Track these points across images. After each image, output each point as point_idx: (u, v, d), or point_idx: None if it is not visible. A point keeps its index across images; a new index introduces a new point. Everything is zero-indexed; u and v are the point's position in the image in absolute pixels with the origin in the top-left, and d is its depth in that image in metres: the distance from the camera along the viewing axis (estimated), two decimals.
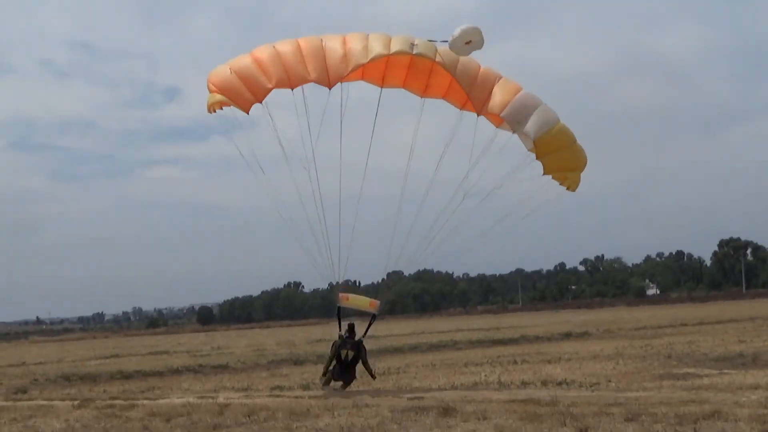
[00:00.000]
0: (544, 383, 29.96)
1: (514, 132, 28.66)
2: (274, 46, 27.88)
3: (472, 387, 30.47)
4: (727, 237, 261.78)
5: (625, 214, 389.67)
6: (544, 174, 28.68)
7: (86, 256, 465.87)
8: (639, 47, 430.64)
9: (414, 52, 27.66)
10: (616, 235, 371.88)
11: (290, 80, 27.27)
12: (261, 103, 27.38)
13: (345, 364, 29.28)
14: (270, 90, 27.27)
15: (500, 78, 29.04)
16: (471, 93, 28.49)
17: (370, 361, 29.75)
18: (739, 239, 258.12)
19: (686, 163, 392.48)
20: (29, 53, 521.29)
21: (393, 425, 19.87)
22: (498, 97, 28.49)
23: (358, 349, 29.33)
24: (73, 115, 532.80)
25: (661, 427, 17.08)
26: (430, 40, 28.29)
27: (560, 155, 28.62)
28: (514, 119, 28.18)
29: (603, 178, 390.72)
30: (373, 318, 30.04)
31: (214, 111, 28.23)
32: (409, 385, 32.82)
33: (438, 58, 28.01)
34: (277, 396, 30.11)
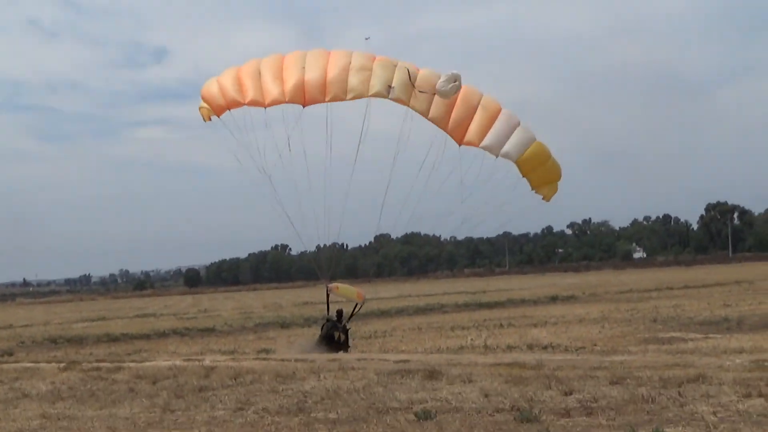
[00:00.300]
0: (530, 347, 30.12)
1: (495, 156, 28.87)
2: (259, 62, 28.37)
3: (458, 350, 30.60)
4: (714, 201, 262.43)
5: (612, 177, 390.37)
6: (532, 189, 29.14)
7: (73, 217, 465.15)
8: (629, 8, 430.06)
9: (390, 96, 27.56)
10: (603, 199, 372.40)
11: (264, 99, 27.74)
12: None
13: (336, 345, 30.55)
14: (241, 105, 27.87)
15: (477, 106, 28.95)
16: (448, 130, 28.51)
17: (352, 344, 31.64)
18: (726, 203, 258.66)
19: (674, 126, 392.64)
20: (16, 12, 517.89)
21: (379, 388, 19.92)
22: (475, 127, 28.53)
23: (347, 334, 30.89)
24: (60, 75, 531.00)
25: (646, 390, 17.15)
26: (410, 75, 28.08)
27: (538, 173, 28.95)
28: (493, 148, 28.41)
29: (591, 141, 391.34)
30: (357, 306, 31.51)
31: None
32: (395, 348, 32.89)
33: (412, 100, 27.86)
34: (264, 359, 30.17)
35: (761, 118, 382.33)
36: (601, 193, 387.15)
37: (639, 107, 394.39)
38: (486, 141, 28.33)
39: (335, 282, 31.66)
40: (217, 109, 28.82)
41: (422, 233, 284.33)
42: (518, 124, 28.78)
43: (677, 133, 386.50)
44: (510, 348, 30.14)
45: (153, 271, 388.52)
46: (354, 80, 27.39)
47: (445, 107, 28.23)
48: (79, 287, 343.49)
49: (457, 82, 27.52)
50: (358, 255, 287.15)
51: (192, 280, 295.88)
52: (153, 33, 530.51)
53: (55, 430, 16.83)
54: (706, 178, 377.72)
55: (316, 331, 44.58)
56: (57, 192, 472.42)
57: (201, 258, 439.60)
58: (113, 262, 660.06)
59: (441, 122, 28.48)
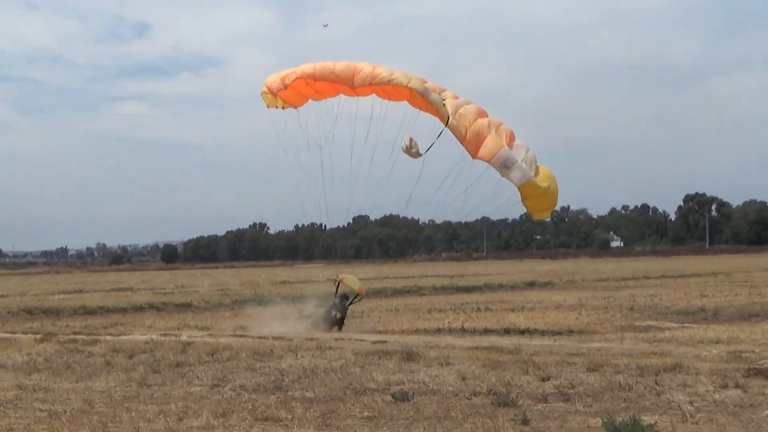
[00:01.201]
0: (507, 331, 30.16)
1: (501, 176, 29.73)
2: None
3: (436, 333, 30.63)
4: (692, 192, 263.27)
5: (592, 165, 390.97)
6: (528, 212, 30.25)
7: (51, 190, 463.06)
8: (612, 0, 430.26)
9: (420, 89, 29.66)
10: (582, 187, 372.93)
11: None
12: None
13: (332, 321, 32.64)
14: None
15: (490, 131, 29.73)
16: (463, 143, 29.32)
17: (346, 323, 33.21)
18: (704, 195, 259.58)
19: (655, 118, 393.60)
20: None
21: (356, 368, 19.92)
22: (487, 146, 29.45)
23: (344, 314, 32.95)
24: (41, 48, 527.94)
25: (623, 378, 17.18)
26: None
27: (539, 200, 31.21)
28: (500, 167, 29.21)
29: (572, 130, 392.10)
30: (355, 297, 33.59)
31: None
32: (372, 329, 32.90)
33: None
34: (241, 336, 30.14)
35: (741, 111, 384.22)
36: (580, 181, 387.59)
37: (620, 98, 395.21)
38: (494, 161, 29.40)
39: (344, 273, 33.89)
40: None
41: (401, 216, 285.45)
42: (525, 152, 29.68)
43: (658, 124, 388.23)
44: (487, 332, 30.20)
45: (130, 245, 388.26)
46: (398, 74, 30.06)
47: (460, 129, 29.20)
48: (56, 260, 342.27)
49: (414, 150, 28.62)
50: (336, 236, 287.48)
51: (169, 255, 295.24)
52: (135, 7, 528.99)
53: (31, 402, 16.74)
54: (685, 169, 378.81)
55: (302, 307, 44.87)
56: (35, 164, 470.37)
57: (179, 234, 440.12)
58: (90, 236, 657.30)
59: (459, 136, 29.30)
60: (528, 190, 30.14)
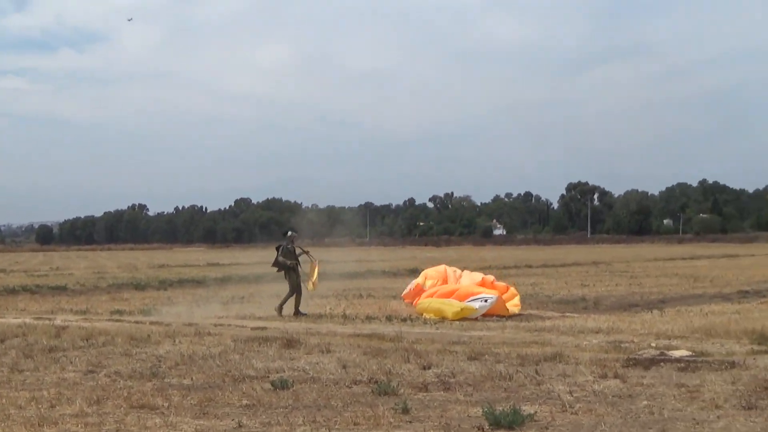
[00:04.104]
0: (389, 319, 30.17)
1: None
2: None
3: (317, 319, 30.56)
4: (575, 181, 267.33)
5: (476, 151, 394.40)
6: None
7: None
8: None
9: None
10: (466, 173, 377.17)
11: None
12: None
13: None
14: None
15: None
16: None
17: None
18: (586, 183, 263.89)
19: (541, 104, 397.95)
20: None
21: (235, 355, 19.83)
22: None
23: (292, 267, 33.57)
24: None
25: (504, 367, 17.37)
26: None
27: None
28: None
29: (457, 114, 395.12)
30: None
31: None
32: (251, 314, 32.71)
33: None
34: (117, 320, 29.76)
35: (625, 100, 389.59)
36: (464, 167, 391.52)
37: (508, 82, 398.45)
38: None
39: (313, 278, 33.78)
40: None
41: (283, 199, 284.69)
42: None
43: (542, 111, 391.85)
44: (369, 319, 30.19)
45: (4, 225, 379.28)
46: None
47: None
48: None
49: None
50: (217, 218, 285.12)
51: (44, 237, 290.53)
52: None
53: None
54: (568, 156, 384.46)
55: (171, 294, 44.30)
56: None
57: (55, 215, 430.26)
58: None
59: None
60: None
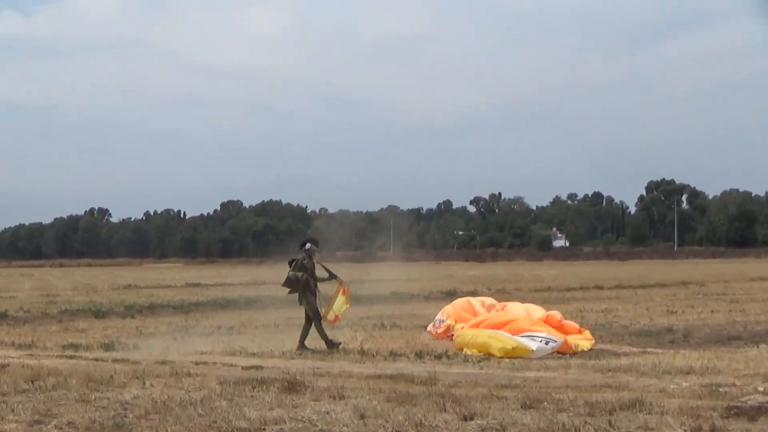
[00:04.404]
0: (419, 355, 30.15)
1: None
2: None
3: (326, 356, 30.57)
4: (657, 179, 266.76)
5: (529, 140, 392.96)
6: None
7: None
8: None
9: None
10: (517, 169, 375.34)
11: None
12: None
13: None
14: None
15: None
16: None
17: None
18: (672, 182, 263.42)
19: (611, 82, 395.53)
20: None
21: (222, 401, 19.79)
22: None
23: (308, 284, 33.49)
24: None
25: (568, 417, 17.30)
26: None
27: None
28: None
29: (503, 94, 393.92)
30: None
31: None
32: (243, 349, 32.76)
33: None
34: (71, 357, 29.83)
35: (721, 74, 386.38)
36: (516, 160, 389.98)
37: (562, 54, 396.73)
38: None
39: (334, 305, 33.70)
40: None
41: (283, 202, 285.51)
42: None
43: (611, 89, 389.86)
44: (393, 355, 30.19)
45: None
46: None
47: None
48: None
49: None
50: (198, 226, 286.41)
51: None
52: None
53: None
54: (647, 147, 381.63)
55: (140, 324, 44.55)
56: None
57: None
58: None
59: None
60: None
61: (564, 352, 30.62)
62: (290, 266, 33.43)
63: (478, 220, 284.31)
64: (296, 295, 33.35)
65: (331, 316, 33.35)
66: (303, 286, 32.83)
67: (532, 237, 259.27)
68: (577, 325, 35.08)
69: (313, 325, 32.71)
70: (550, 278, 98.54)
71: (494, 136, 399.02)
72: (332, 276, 33.53)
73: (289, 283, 33.24)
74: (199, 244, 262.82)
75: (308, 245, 33.96)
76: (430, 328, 37.77)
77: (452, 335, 34.72)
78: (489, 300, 38.85)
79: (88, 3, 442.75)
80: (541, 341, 30.62)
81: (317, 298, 33.02)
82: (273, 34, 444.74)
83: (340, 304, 33.35)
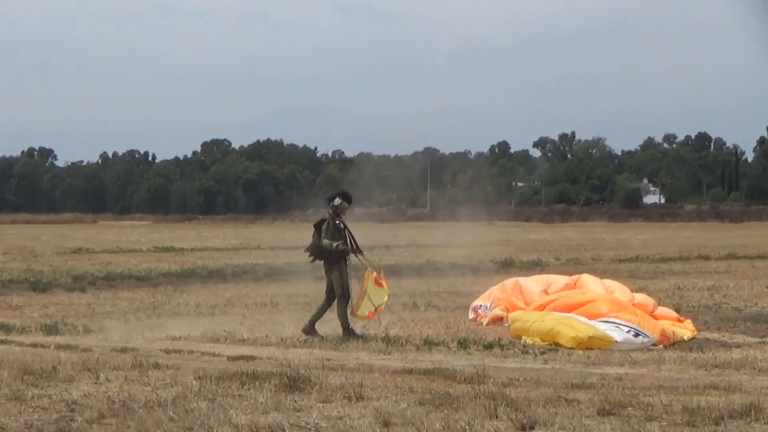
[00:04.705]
0: (463, 345, 30.13)
1: None
2: None
3: (339, 344, 30.57)
4: None
5: (611, 65, 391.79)
6: None
7: None
8: None
9: None
10: (596, 102, 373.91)
11: None
12: None
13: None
14: None
15: None
16: None
17: None
18: None
19: None
20: None
21: (200, 402, 19.62)
22: None
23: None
24: None
25: (660, 427, 17.28)
26: None
27: None
28: None
29: (576, 4, 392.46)
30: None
31: None
32: (229, 334, 32.81)
33: None
34: (2, 342, 29.98)
35: None
36: (592, 91, 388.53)
37: None
38: None
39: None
40: None
41: (285, 142, 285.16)
42: None
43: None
44: (429, 344, 30.18)
45: None
46: None
47: None
48: None
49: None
50: (171, 173, 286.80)
51: None
52: None
53: None
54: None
55: (93, 300, 44.87)
56: None
57: None
58: None
59: None
60: None
61: (658, 344, 30.36)
62: (317, 229, 33.01)
63: (545, 169, 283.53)
64: (318, 264, 33.18)
65: (364, 311, 32.75)
66: (334, 256, 32.73)
67: (615, 191, 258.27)
68: (675, 313, 34.72)
69: (336, 303, 32.64)
70: (638, 245, 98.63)
71: (567, 57, 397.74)
72: (357, 252, 33.42)
73: (315, 251, 33.08)
74: (171, 196, 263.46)
75: (337, 200, 33.36)
76: (471, 315, 37.48)
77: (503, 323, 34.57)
78: (551, 277, 38.31)
79: None
80: (628, 331, 29.93)
81: (346, 270, 32.81)
82: None
83: (379, 294, 33.06)
